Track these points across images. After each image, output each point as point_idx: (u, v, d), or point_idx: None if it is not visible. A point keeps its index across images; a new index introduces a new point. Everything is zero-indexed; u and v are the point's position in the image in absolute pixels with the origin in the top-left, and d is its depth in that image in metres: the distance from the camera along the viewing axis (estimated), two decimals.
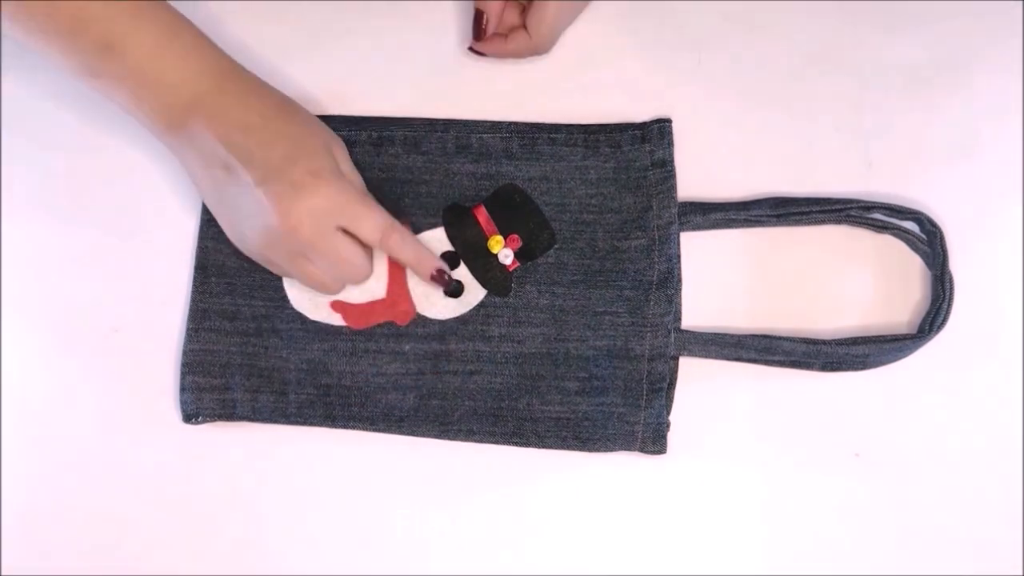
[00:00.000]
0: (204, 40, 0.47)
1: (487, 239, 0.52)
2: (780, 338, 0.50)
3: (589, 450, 0.50)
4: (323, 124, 0.50)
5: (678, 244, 0.51)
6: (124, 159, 0.54)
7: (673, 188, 0.52)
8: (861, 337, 0.50)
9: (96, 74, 0.45)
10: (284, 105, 0.48)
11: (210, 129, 0.46)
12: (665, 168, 0.52)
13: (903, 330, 0.52)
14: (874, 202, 0.52)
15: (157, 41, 0.45)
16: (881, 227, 0.52)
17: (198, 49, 0.46)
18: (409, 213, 0.52)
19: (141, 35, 0.44)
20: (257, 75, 0.49)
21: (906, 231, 0.52)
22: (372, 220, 0.47)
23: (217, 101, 0.46)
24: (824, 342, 0.50)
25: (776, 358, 0.50)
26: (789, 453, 0.50)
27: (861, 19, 0.56)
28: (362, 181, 0.50)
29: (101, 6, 0.43)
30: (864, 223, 0.52)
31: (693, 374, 0.51)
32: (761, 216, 0.52)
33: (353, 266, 0.48)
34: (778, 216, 0.52)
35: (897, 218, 0.52)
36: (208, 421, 0.50)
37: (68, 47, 0.44)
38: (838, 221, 0.53)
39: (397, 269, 0.51)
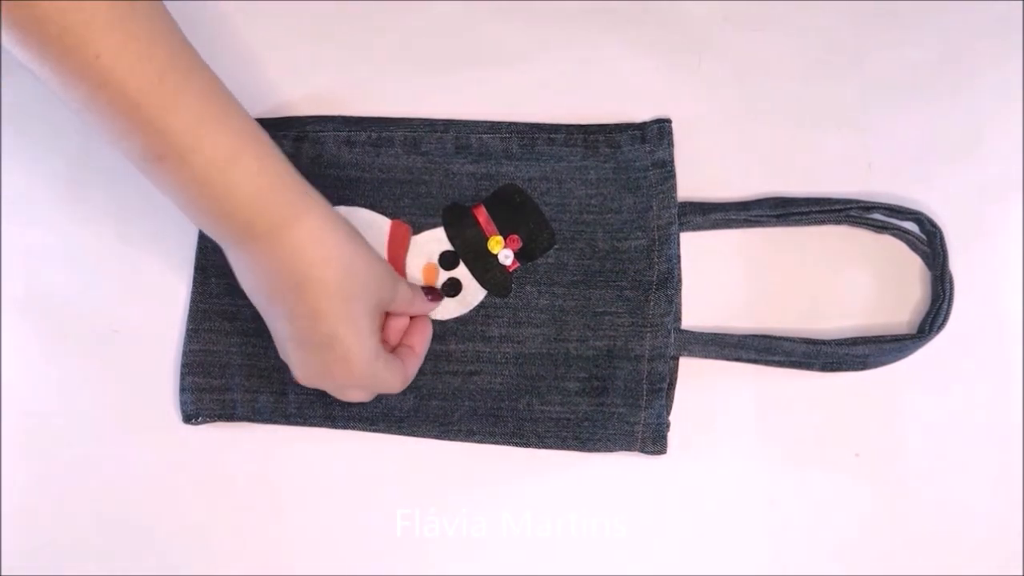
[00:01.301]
0: (274, 155, 0.40)
1: (487, 239, 0.52)
2: (780, 338, 0.50)
3: (589, 450, 0.50)
4: (378, 267, 0.43)
5: (678, 244, 0.51)
6: (124, 159, 0.54)
7: (673, 188, 0.52)
8: (861, 337, 0.50)
9: (141, 171, 0.40)
10: (344, 262, 0.41)
11: (252, 271, 0.42)
12: (665, 168, 0.52)
13: (903, 330, 0.52)
14: (874, 202, 0.52)
15: (216, 157, 0.38)
16: (881, 227, 0.52)
17: (264, 171, 0.39)
18: (409, 213, 0.52)
19: (202, 150, 0.38)
20: (327, 202, 0.42)
21: (906, 231, 0.52)
22: (392, 382, 0.45)
23: (269, 247, 0.40)
24: (824, 342, 0.50)
25: (776, 358, 0.50)
26: (789, 453, 0.50)
27: (862, 19, 0.56)
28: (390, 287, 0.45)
29: (155, 110, 0.37)
30: (864, 223, 0.52)
31: (693, 374, 0.51)
32: (761, 216, 0.52)
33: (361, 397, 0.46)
34: (778, 216, 0.52)
35: (897, 218, 0.52)
36: (208, 422, 0.50)
37: (111, 141, 0.39)
38: (838, 221, 0.53)
39: (397, 271, 0.51)
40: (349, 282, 0.41)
